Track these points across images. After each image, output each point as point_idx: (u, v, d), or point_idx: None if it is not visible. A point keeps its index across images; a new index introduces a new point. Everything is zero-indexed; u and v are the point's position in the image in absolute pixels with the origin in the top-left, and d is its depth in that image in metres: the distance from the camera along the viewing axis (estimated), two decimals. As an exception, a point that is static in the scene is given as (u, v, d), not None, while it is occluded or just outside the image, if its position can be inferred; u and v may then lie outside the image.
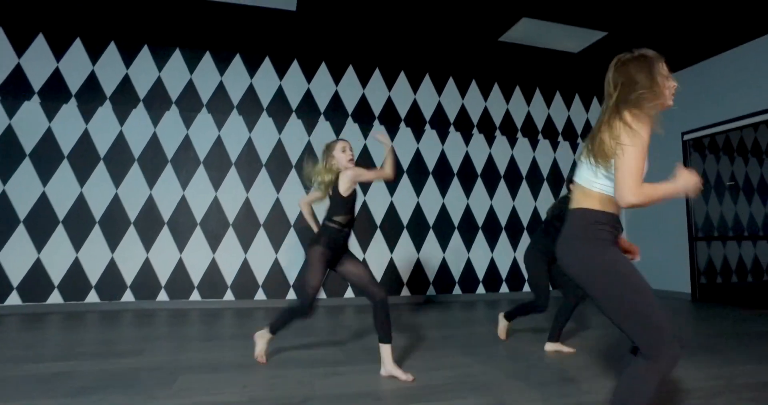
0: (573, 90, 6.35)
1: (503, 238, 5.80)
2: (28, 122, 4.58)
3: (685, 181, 1.32)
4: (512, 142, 6.01)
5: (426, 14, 4.23)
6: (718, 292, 5.21)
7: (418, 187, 5.56)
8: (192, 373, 2.45)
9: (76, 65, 4.75)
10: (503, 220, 5.83)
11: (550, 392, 2.16)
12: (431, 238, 5.53)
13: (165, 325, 3.82)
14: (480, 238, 5.71)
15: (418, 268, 5.44)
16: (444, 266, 5.55)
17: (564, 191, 5.92)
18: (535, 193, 6.01)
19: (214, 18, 4.36)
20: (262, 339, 2.65)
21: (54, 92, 4.66)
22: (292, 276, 5.06)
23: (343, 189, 2.49)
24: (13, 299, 4.39)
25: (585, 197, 1.40)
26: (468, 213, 5.71)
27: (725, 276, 5.20)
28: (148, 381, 2.31)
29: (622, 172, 1.28)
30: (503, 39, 4.74)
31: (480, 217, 5.74)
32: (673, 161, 5.63)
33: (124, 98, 4.85)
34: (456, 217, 5.65)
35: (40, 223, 4.50)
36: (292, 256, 5.07)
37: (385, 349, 2.38)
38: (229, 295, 4.88)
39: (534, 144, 6.10)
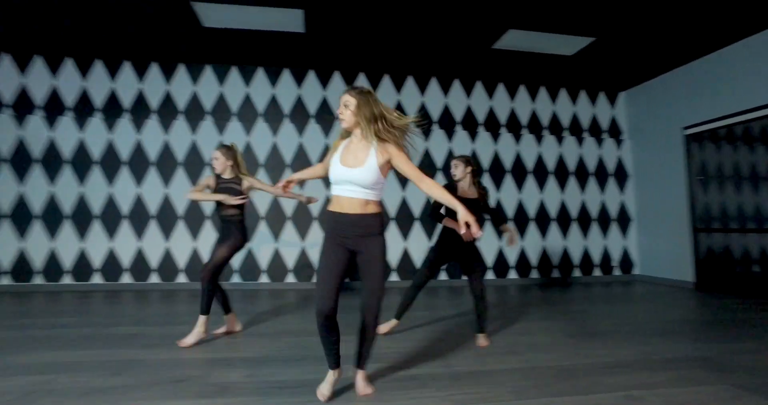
0: (577, 87, 6.57)
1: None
2: (122, 135, 5.52)
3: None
4: (517, 138, 6.36)
5: (419, 26, 4.63)
6: (720, 282, 5.37)
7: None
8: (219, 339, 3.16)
9: (129, 84, 5.60)
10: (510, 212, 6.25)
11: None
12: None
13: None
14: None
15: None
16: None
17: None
18: (541, 186, 6.36)
19: (238, 40, 5.02)
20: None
21: (110, 108, 5.55)
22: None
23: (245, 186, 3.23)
24: (96, 279, 5.37)
25: None
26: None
27: (728, 266, 5.34)
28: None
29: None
30: (496, 47, 5.10)
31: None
32: (675, 154, 5.81)
33: (167, 111, 5.65)
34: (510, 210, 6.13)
35: (134, 218, 5.43)
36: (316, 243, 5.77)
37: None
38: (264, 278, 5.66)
39: (539, 139, 6.42)
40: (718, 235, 5.43)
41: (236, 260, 5.61)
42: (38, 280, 5.28)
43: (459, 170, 3.13)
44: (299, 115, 5.87)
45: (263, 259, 5.68)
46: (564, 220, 6.39)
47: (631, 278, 6.50)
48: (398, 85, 6.14)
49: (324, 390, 2.07)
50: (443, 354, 2.87)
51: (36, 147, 5.36)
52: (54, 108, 5.42)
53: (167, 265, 5.52)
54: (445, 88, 6.24)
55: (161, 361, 2.66)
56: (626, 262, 6.54)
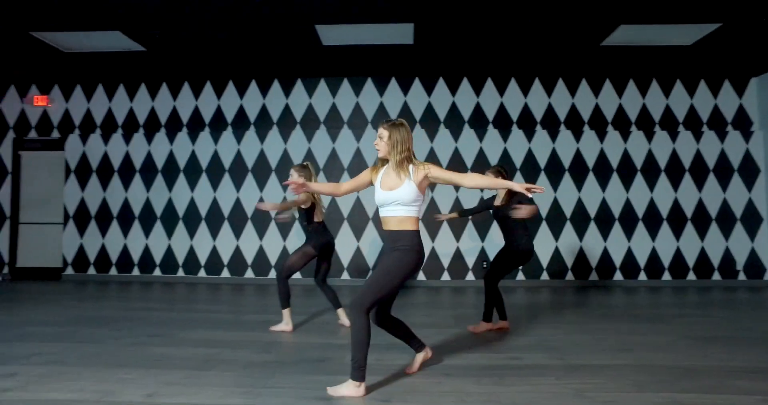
0: (696, 78, 6.14)
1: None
2: (226, 145, 6.36)
3: None
4: (625, 136, 6.13)
5: (527, 28, 4.73)
6: None
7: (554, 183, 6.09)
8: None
9: (254, 99, 6.40)
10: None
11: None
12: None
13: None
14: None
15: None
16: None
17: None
18: (651, 185, 6.06)
19: (351, 54, 5.51)
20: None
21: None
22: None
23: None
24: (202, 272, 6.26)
25: None
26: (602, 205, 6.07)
27: None
28: (318, 329, 3.51)
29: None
30: (605, 43, 5.01)
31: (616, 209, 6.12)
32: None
33: (286, 122, 6.35)
34: (616, 210, 6.13)
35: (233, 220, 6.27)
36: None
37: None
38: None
39: (650, 136, 6.12)
40: None
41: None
42: (181, 272, 6.28)
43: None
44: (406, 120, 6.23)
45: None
46: (678, 220, 6.03)
47: (762, 284, 5.92)
48: (501, 88, 6.25)
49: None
50: (556, 348, 3.00)
51: (182, 159, 6.36)
52: (195, 125, 6.39)
53: (260, 261, 6.23)
54: (548, 88, 6.22)
55: (296, 343, 3.14)
56: (755, 266, 5.98)
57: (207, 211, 6.31)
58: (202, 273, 6.28)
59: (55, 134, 6.48)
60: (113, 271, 6.35)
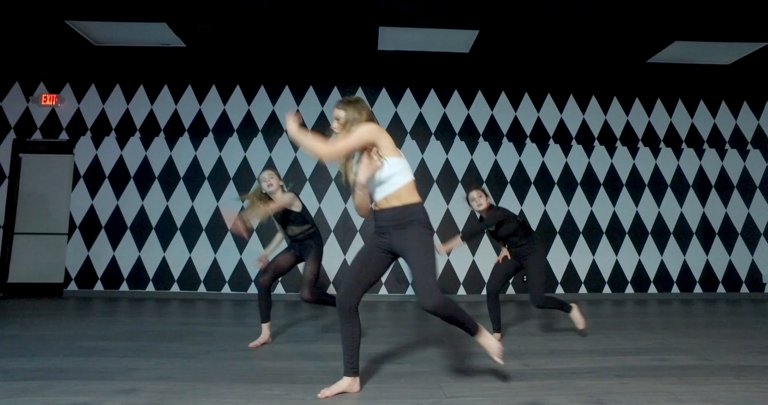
0: (719, 99, 6.49)
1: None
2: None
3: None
4: (655, 153, 6.33)
5: (580, 42, 4.83)
6: None
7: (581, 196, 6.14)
8: (446, 336, 3.34)
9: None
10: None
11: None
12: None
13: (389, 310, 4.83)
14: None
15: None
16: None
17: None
18: (704, 200, 6.26)
19: (406, 62, 5.42)
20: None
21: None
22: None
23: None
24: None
25: None
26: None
27: None
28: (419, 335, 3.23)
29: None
30: (652, 60, 5.20)
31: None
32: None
33: (320, 130, 6.10)
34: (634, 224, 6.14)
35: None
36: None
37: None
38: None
39: (678, 153, 6.36)
40: None
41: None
42: (202, 288, 5.76)
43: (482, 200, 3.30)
44: (449, 132, 6.18)
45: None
46: (708, 234, 6.23)
47: (765, 297, 6.17)
48: (560, 104, 6.36)
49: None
50: (686, 350, 2.89)
51: (206, 166, 5.93)
52: (223, 129, 6.02)
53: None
54: (605, 106, 6.40)
55: (424, 352, 2.87)
56: (755, 280, 6.23)
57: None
58: (226, 289, 5.77)
59: (64, 136, 5.88)
60: (124, 287, 5.72)
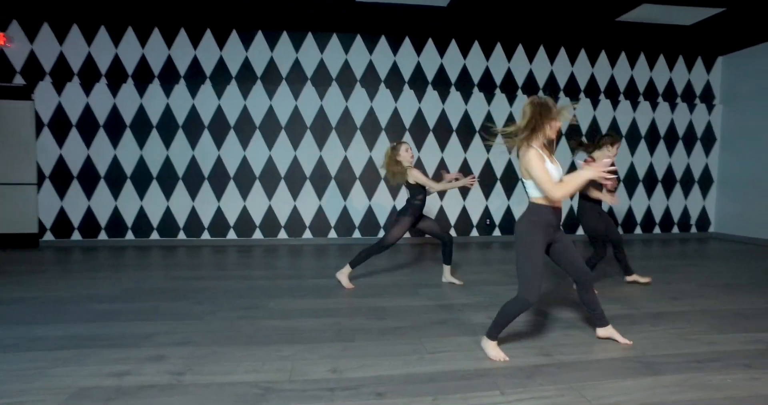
0: (676, 55, 6.80)
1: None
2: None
3: (590, 171, 2.14)
4: (615, 105, 6.71)
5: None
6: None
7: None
8: (420, 287, 3.81)
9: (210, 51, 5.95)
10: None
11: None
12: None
13: (344, 257, 5.27)
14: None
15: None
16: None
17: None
18: (633, 149, 6.79)
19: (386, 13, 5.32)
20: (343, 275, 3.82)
21: (246, 77, 5.94)
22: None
23: (412, 180, 3.66)
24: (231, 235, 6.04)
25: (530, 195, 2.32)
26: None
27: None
28: (400, 291, 3.68)
29: (539, 183, 2.17)
30: (621, 19, 5.36)
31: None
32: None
33: (297, 78, 6.04)
34: None
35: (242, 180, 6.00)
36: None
37: (447, 268, 3.90)
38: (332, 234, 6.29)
39: (635, 105, 6.76)
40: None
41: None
42: (182, 235, 5.99)
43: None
44: (423, 81, 6.25)
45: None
46: (651, 181, 6.89)
47: (707, 236, 7.07)
48: (531, 56, 6.49)
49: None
50: (616, 298, 3.49)
51: (180, 114, 5.83)
52: (196, 76, 5.83)
53: (291, 223, 6.16)
54: (572, 58, 6.59)
55: (400, 307, 3.29)
56: (703, 221, 7.09)
57: (210, 170, 5.95)
58: (206, 235, 6.02)
59: (19, 80, 5.54)
60: (103, 236, 5.85)
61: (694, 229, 7.09)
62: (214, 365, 2.26)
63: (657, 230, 6.97)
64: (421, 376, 2.15)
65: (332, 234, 6.25)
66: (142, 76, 5.75)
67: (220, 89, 5.89)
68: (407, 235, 6.34)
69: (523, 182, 2.39)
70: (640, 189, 6.87)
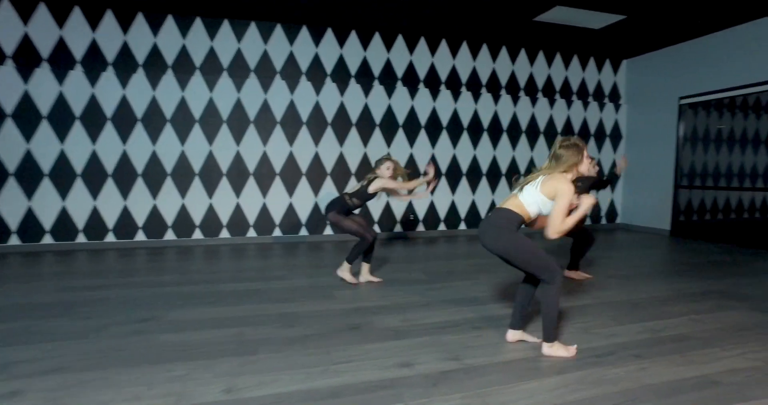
0: (588, 56, 7.17)
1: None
2: (140, 91, 5.41)
3: (585, 206, 2.28)
4: (534, 101, 6.96)
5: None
6: (693, 230, 6.54)
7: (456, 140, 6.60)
8: (337, 289, 3.68)
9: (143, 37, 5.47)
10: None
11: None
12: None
13: (259, 258, 5.03)
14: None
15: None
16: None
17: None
18: (549, 145, 7.09)
19: None
20: (345, 271, 3.85)
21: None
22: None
23: (372, 189, 3.73)
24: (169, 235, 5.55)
25: (518, 207, 2.33)
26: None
27: (699, 217, 6.52)
28: (316, 294, 3.53)
29: (554, 214, 2.18)
30: (537, 19, 5.52)
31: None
32: (668, 120, 6.68)
33: (237, 70, 5.63)
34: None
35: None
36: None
37: (366, 267, 3.91)
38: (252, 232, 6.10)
39: (552, 103, 7.06)
40: (696, 192, 6.52)
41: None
42: (111, 237, 5.41)
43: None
44: (317, 73, 6.07)
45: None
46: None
47: (614, 226, 7.59)
48: (454, 52, 6.53)
49: None
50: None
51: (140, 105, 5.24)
52: (156, 64, 5.25)
53: (212, 222, 5.79)
54: (494, 55, 6.72)
55: (312, 312, 3.14)
56: (611, 212, 7.60)
57: (115, 167, 5.42)
58: (110, 238, 5.48)
59: None
60: (15, 240, 5.16)
61: (604, 221, 7.57)
62: (90, 394, 1.98)
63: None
64: (323, 391, 2.02)
65: (251, 233, 5.95)
66: (93, 62, 5.09)
67: (155, 80, 5.39)
68: (329, 231, 6.19)
69: (523, 192, 2.36)
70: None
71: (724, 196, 6.43)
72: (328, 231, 6.20)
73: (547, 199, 2.28)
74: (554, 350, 2.37)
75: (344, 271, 3.85)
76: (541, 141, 7.02)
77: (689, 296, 3.55)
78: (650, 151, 7.05)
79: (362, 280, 3.89)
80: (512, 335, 2.58)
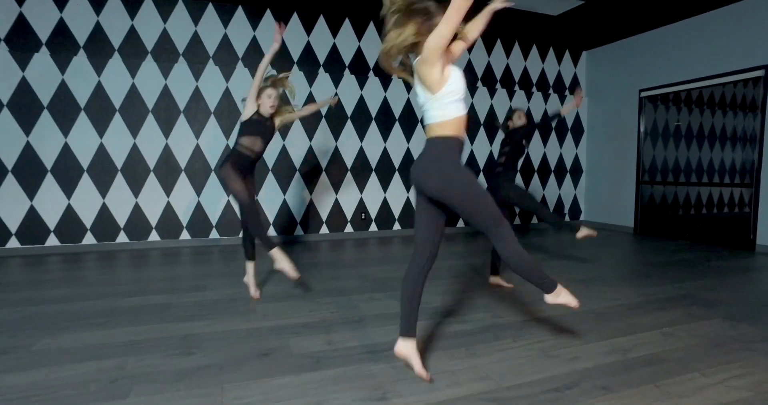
0: (548, 46, 6.85)
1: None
2: (42, 75, 4.65)
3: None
4: (492, 93, 6.57)
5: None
6: (655, 227, 6.33)
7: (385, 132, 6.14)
8: (260, 302, 3.13)
9: (116, 20, 4.75)
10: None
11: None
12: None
13: (192, 263, 4.41)
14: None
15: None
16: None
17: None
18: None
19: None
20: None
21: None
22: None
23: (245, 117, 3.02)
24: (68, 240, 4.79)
25: (439, 127, 1.84)
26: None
27: (662, 213, 6.32)
28: (233, 309, 2.96)
29: (445, 27, 1.68)
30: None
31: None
32: (629, 113, 6.44)
33: (167, 53, 4.94)
34: None
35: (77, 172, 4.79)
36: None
37: (251, 265, 3.32)
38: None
39: (511, 95, 6.70)
40: (658, 187, 6.31)
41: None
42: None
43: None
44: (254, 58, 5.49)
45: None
46: (527, 171, 6.92)
47: (578, 223, 7.32)
48: (359, 32, 5.95)
49: None
50: (488, 307, 3.14)
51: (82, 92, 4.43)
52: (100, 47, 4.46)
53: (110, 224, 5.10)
54: None
55: (221, 333, 2.58)
56: (575, 209, 7.34)
57: (15, 162, 4.65)
58: (14, 243, 4.72)
59: None
60: None
61: (567, 218, 7.30)
62: None
63: (534, 220, 7.04)
64: (193, 457, 1.48)
65: (154, 236, 5.26)
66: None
67: (101, 64, 4.62)
68: (273, 233, 5.61)
69: (427, 113, 1.89)
70: (517, 179, 6.86)
71: (684, 192, 6.26)
72: (273, 233, 5.62)
73: (435, 79, 1.77)
74: (559, 299, 2.05)
75: (282, 262, 2.96)
76: (501, 135, 6.66)
77: (657, 303, 3.19)
78: (612, 146, 6.81)
79: (246, 280, 3.36)
80: (403, 346, 2.05)
